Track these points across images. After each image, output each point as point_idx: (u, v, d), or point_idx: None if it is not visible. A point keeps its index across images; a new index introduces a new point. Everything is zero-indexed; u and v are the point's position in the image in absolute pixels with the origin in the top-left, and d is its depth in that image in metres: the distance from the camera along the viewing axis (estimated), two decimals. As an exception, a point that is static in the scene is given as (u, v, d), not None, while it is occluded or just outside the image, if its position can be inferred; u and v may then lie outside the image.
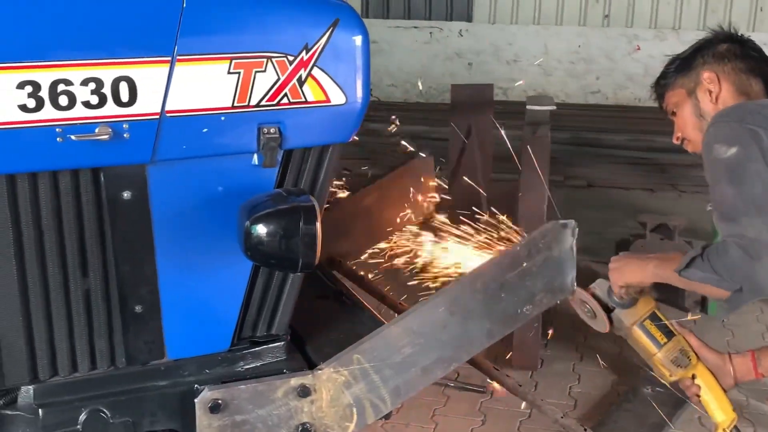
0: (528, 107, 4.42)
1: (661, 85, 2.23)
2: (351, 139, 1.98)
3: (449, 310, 2.05)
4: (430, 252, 2.58)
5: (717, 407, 2.23)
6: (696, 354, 2.24)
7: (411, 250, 2.60)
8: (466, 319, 2.07)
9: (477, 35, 9.84)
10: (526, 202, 3.45)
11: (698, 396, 2.23)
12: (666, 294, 4.54)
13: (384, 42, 9.98)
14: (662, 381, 2.29)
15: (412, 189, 2.72)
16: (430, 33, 10.00)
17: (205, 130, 1.78)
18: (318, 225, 1.74)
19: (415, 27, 10.06)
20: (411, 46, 10.03)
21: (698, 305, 4.52)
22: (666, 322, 2.26)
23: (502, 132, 3.28)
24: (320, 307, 2.38)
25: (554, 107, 4.47)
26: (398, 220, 2.74)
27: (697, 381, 2.23)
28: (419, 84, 9.92)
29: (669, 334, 2.24)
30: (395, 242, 2.67)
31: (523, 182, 3.58)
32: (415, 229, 2.74)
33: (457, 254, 2.52)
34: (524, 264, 2.09)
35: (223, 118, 1.78)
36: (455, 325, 2.05)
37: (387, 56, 9.99)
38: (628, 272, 2.17)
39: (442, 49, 9.87)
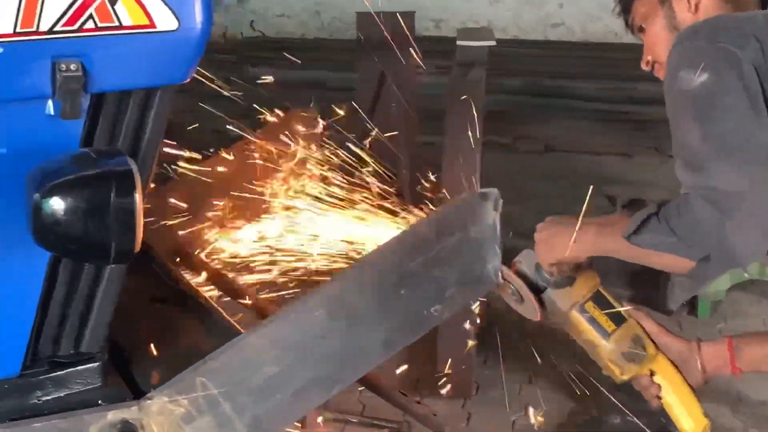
0: (458, 43, 4.49)
1: None
2: (189, 79, 1.96)
3: (329, 314, 2.06)
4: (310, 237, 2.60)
5: (683, 412, 2.30)
6: (654, 343, 2.30)
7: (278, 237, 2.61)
8: (353, 326, 2.08)
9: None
10: (451, 172, 3.49)
11: (659, 398, 2.30)
12: (641, 291, 4.68)
13: (270, -45, 9.98)
14: (615, 381, 2.34)
15: (287, 153, 2.72)
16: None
17: (-24, 66, 1.74)
18: (138, 197, 1.73)
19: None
20: (309, -38, 10.04)
21: (686, 306, 4.65)
22: (614, 302, 2.32)
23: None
24: (155, 313, 2.36)
25: (493, 43, 4.55)
26: (268, 195, 2.74)
27: (656, 378, 2.30)
28: (320, 14, 9.92)
29: (618, 318, 2.31)
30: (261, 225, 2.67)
31: (447, 144, 3.62)
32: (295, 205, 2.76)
33: (350, 234, 2.54)
34: (431, 249, 2.11)
35: (1, 50, 1.74)
36: (338, 333, 2.07)
37: (275, -25, 9.99)
38: (559, 244, 2.21)
39: (352, -34, 9.88)
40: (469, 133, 3.61)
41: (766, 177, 1.94)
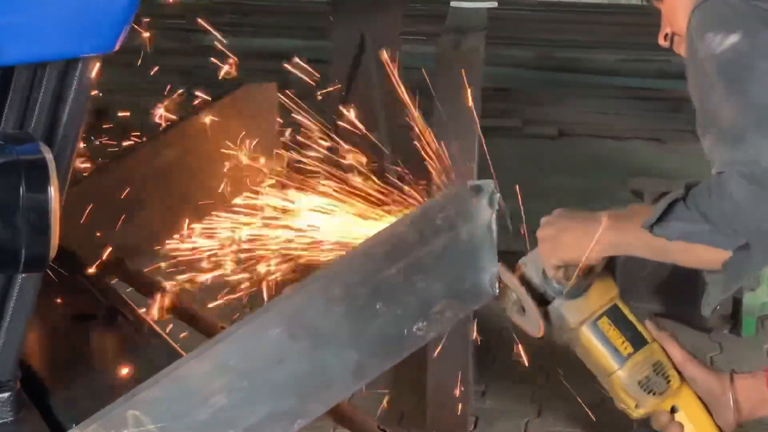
0: (452, 4, 4.50)
1: None
2: (116, 48, 1.96)
3: (288, 334, 2.05)
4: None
5: None
6: (679, 373, 2.30)
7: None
8: (317, 347, 2.08)
9: None
10: (440, 161, 3.48)
11: None
12: (673, 305, 4.69)
13: None
14: (630, 417, 2.32)
15: (240, 137, 2.73)
16: None
17: None
18: (53, 191, 1.73)
19: None
20: None
21: (726, 321, 4.68)
22: (634, 320, 2.31)
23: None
24: (80, 333, 2.36)
25: (495, 4, 4.56)
26: (219, 189, 2.75)
27: (678, 416, 2.28)
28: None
29: (638, 340, 2.29)
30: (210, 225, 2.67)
31: (436, 127, 3.62)
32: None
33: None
34: (413, 253, 2.11)
35: None
36: (298, 357, 2.07)
37: None
38: (566, 242, 2.20)
39: None
40: (464, 114, 3.62)
41: None
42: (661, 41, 2.32)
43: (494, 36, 4.50)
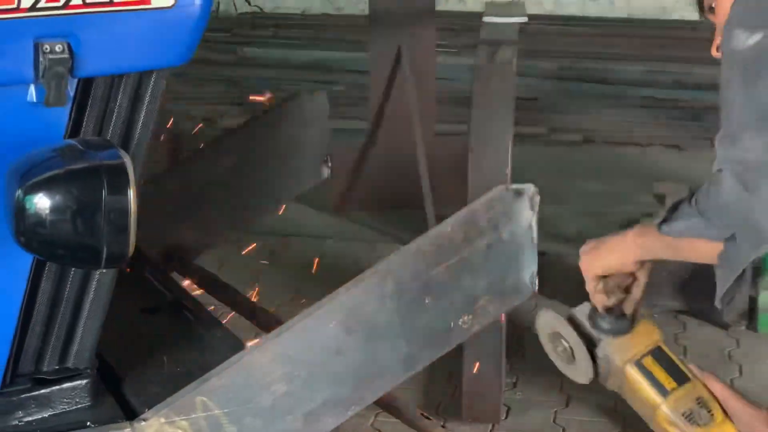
0: (485, 19, 4.52)
1: None
2: (187, 62, 2.01)
3: (345, 326, 2.10)
4: None
5: None
6: (722, 408, 2.29)
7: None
8: (372, 339, 2.13)
9: None
10: (478, 165, 3.53)
11: None
12: (695, 304, 4.71)
13: None
14: None
15: (293, 144, 2.77)
16: None
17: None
18: (132, 193, 1.78)
19: None
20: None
21: (743, 318, 4.68)
22: (677, 360, 2.33)
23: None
24: (147, 325, 2.42)
25: (525, 19, 4.58)
26: (273, 192, 2.80)
27: None
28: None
29: (681, 377, 2.30)
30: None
31: (473, 134, 3.66)
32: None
33: None
34: (458, 253, 2.15)
35: (-22, 30, 1.79)
36: (355, 348, 2.11)
37: (273, -58, 10.05)
38: (605, 252, 2.26)
39: (362, -69, 9.94)
40: (499, 121, 3.65)
41: None
42: (714, 52, 2.31)
43: (523, 49, 4.52)
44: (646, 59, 8.22)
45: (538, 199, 2.22)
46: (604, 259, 2.26)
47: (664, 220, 2.13)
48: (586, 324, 2.33)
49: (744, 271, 2.08)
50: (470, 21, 7.67)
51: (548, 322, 2.33)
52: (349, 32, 8.73)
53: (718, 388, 2.30)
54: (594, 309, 2.33)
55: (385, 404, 2.70)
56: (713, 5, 2.27)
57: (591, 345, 2.32)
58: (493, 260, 2.20)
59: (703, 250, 2.10)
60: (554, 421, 3.98)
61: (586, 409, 4.05)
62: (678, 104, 7.45)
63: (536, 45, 7.78)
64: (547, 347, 2.38)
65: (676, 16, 9.39)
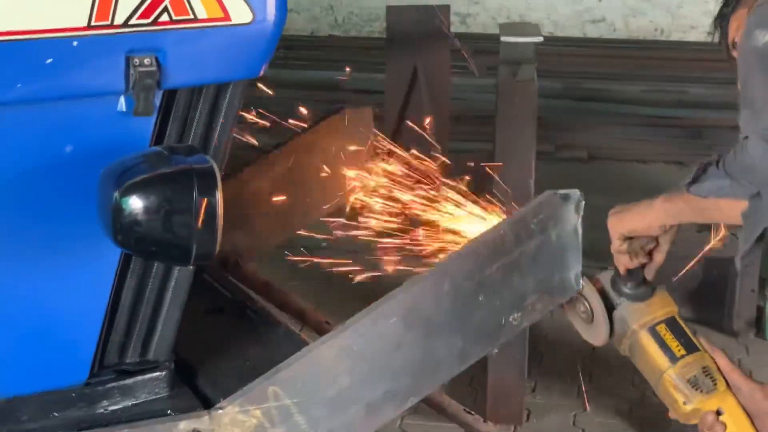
0: (503, 39, 4.60)
1: (723, 15, 2.38)
2: (261, 74, 2.11)
3: (404, 323, 2.19)
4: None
5: None
6: (726, 380, 2.38)
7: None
8: (429, 335, 2.21)
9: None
10: (506, 177, 3.62)
11: None
12: (702, 311, 4.81)
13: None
14: (672, 417, 2.41)
15: (342, 154, 2.86)
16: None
17: (48, 61, 1.88)
18: (219, 195, 1.87)
19: None
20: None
21: (752, 326, 4.78)
22: (688, 332, 2.43)
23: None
24: (214, 324, 2.52)
25: (541, 39, 4.67)
26: (323, 200, 2.89)
27: (723, 418, 2.34)
28: (333, 9, 10.05)
29: (690, 346, 2.40)
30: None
31: (500, 147, 3.77)
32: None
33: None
34: (510, 253, 2.25)
35: (75, 44, 1.89)
36: (413, 343, 2.20)
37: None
38: (631, 215, 2.41)
39: (369, -45, 10.03)
40: (523, 136, 3.77)
41: None
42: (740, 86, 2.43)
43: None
44: (646, 79, 8.34)
45: (583, 204, 2.33)
46: (631, 220, 2.39)
47: (693, 181, 2.25)
48: (609, 287, 2.43)
49: (764, 234, 2.20)
50: (476, 43, 7.79)
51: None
52: (358, 54, 8.83)
53: (724, 362, 2.40)
54: (617, 274, 2.44)
55: (432, 401, 2.79)
56: (736, 39, 2.38)
57: (610, 308, 2.42)
58: (542, 260, 2.28)
59: (728, 210, 2.21)
60: (574, 424, 4.08)
61: (603, 413, 4.15)
62: (679, 122, 7.56)
63: (540, 65, 7.88)
64: (569, 309, 2.46)
65: (674, 38, 9.53)
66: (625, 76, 8.48)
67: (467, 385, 4.14)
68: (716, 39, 2.44)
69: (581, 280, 2.35)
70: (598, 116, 7.70)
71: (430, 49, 5.49)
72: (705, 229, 5.13)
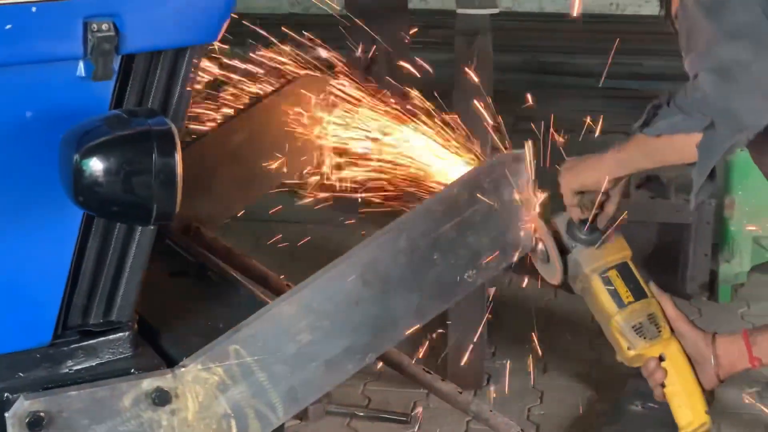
0: (459, 10, 4.62)
1: None
2: (218, 39, 2.14)
3: (362, 280, 2.23)
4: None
5: (685, 404, 2.39)
6: (670, 327, 2.43)
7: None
8: (387, 292, 2.26)
9: None
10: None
11: (662, 386, 2.40)
12: (657, 274, 4.88)
13: None
14: (619, 360, 2.45)
15: (301, 120, 2.88)
16: None
17: (7, 27, 1.89)
18: (178, 156, 1.89)
19: None
20: None
21: (704, 289, 4.86)
22: (639, 278, 2.46)
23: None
24: (177, 286, 2.54)
25: (497, 10, 4.68)
26: (283, 166, 2.91)
27: (665, 364, 2.40)
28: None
29: (639, 293, 2.43)
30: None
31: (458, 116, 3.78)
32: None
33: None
34: (465, 212, 2.29)
35: (34, 9, 1.90)
36: (371, 300, 2.24)
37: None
38: (582, 170, 2.42)
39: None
40: (483, 102, 3.78)
41: None
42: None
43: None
44: (602, 52, 8.37)
45: (534, 162, 2.36)
46: (581, 176, 2.40)
47: (645, 124, 2.24)
48: (563, 231, 2.46)
49: (715, 172, 2.22)
50: (433, 18, 7.83)
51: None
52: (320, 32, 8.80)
53: (670, 309, 2.43)
54: (571, 219, 2.47)
55: (390, 360, 2.82)
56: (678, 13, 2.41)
57: (565, 250, 2.45)
58: (495, 219, 2.32)
59: (682, 146, 2.18)
60: (533, 386, 4.13)
61: (562, 376, 4.21)
62: (635, 94, 7.62)
63: (498, 40, 7.92)
64: (531, 251, 2.48)
65: (630, 12, 9.60)
66: (582, 49, 8.53)
67: (428, 351, 4.18)
68: (663, 14, 2.47)
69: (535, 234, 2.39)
70: (556, 89, 7.74)
71: (388, 26, 5.50)
72: (659, 195, 5.20)
